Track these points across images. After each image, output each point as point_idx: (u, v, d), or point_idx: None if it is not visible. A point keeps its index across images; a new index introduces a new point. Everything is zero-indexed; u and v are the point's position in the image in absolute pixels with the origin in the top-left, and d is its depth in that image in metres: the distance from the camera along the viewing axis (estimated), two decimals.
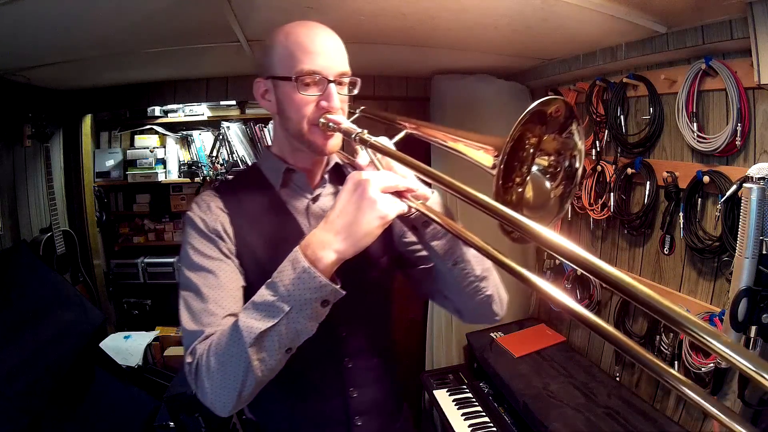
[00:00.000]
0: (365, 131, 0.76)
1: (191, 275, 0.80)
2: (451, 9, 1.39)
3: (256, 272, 0.83)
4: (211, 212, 0.85)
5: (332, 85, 0.81)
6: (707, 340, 0.34)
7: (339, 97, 0.83)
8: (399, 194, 0.70)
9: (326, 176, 0.94)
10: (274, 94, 0.86)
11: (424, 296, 0.95)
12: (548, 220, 0.66)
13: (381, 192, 0.67)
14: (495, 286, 0.84)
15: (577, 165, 0.64)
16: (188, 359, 0.74)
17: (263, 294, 0.70)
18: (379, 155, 0.75)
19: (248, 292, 0.82)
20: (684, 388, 0.38)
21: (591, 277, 0.42)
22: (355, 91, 0.88)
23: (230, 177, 1.40)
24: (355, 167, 0.80)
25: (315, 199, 0.92)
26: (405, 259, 0.95)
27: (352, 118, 0.89)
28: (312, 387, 0.90)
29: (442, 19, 1.48)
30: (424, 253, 0.89)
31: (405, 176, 0.73)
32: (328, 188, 0.94)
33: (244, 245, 0.85)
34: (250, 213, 0.87)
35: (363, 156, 0.78)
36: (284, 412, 0.91)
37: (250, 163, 2.95)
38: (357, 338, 0.91)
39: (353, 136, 0.77)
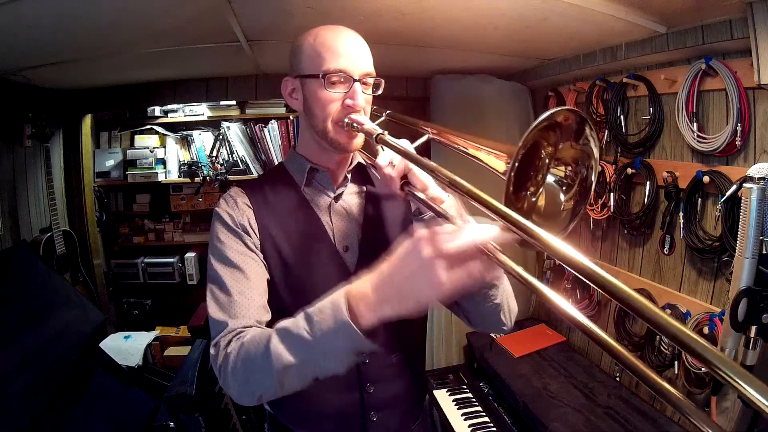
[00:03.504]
0: (386, 132, 0.78)
1: (219, 268, 0.83)
2: (451, 9, 1.39)
3: (279, 266, 0.86)
4: (237, 208, 0.89)
5: (357, 84, 0.84)
6: (701, 353, 0.35)
7: (363, 97, 0.85)
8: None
9: (349, 175, 0.97)
10: (302, 93, 0.89)
11: None
12: (558, 230, 0.65)
13: (444, 254, 0.56)
14: (504, 296, 0.84)
15: (593, 178, 0.63)
16: (212, 351, 0.77)
17: (299, 326, 0.67)
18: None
19: (271, 285, 0.86)
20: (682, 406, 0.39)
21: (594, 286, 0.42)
22: (379, 92, 0.91)
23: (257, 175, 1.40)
24: (376, 167, 0.83)
25: (337, 198, 0.95)
26: None
27: (377, 122, 0.91)
28: (328, 381, 0.91)
29: (442, 19, 1.48)
30: None
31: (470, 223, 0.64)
32: (351, 187, 0.97)
33: (268, 240, 0.88)
34: (275, 209, 0.90)
35: (383, 156, 0.80)
36: (299, 404, 0.92)
37: (249, 163, 2.97)
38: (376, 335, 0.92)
39: (374, 136, 0.79)
